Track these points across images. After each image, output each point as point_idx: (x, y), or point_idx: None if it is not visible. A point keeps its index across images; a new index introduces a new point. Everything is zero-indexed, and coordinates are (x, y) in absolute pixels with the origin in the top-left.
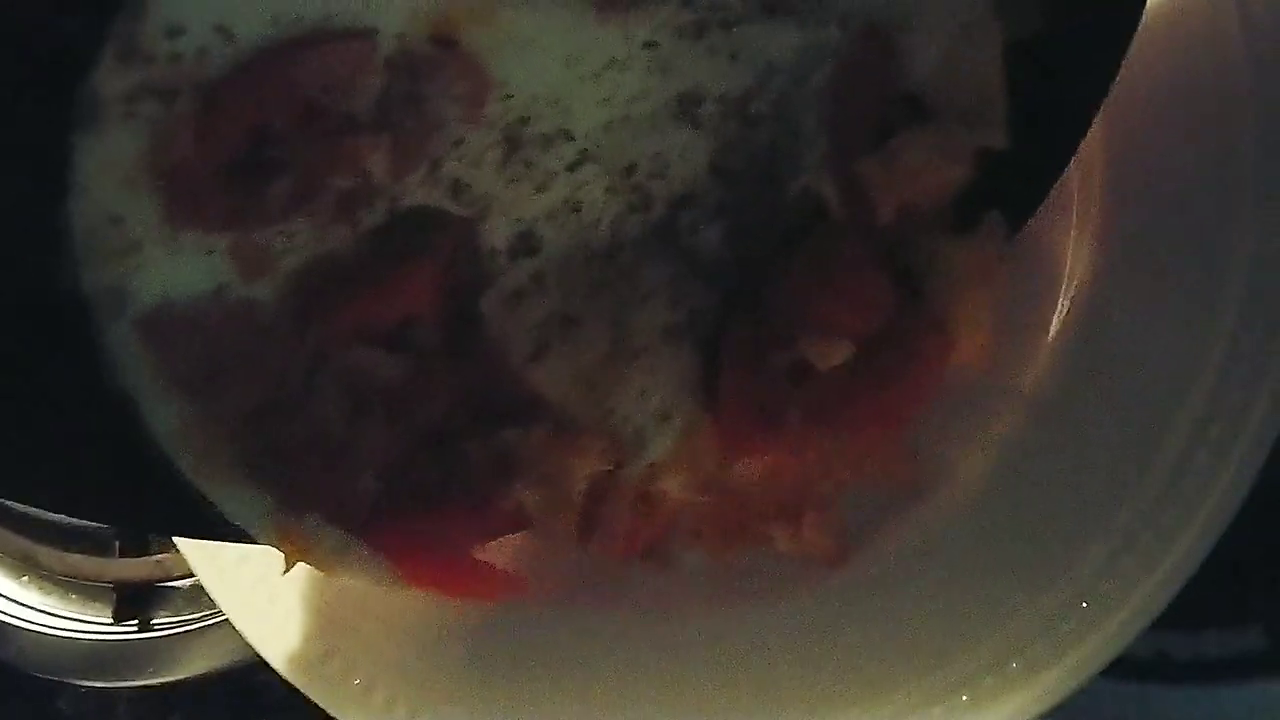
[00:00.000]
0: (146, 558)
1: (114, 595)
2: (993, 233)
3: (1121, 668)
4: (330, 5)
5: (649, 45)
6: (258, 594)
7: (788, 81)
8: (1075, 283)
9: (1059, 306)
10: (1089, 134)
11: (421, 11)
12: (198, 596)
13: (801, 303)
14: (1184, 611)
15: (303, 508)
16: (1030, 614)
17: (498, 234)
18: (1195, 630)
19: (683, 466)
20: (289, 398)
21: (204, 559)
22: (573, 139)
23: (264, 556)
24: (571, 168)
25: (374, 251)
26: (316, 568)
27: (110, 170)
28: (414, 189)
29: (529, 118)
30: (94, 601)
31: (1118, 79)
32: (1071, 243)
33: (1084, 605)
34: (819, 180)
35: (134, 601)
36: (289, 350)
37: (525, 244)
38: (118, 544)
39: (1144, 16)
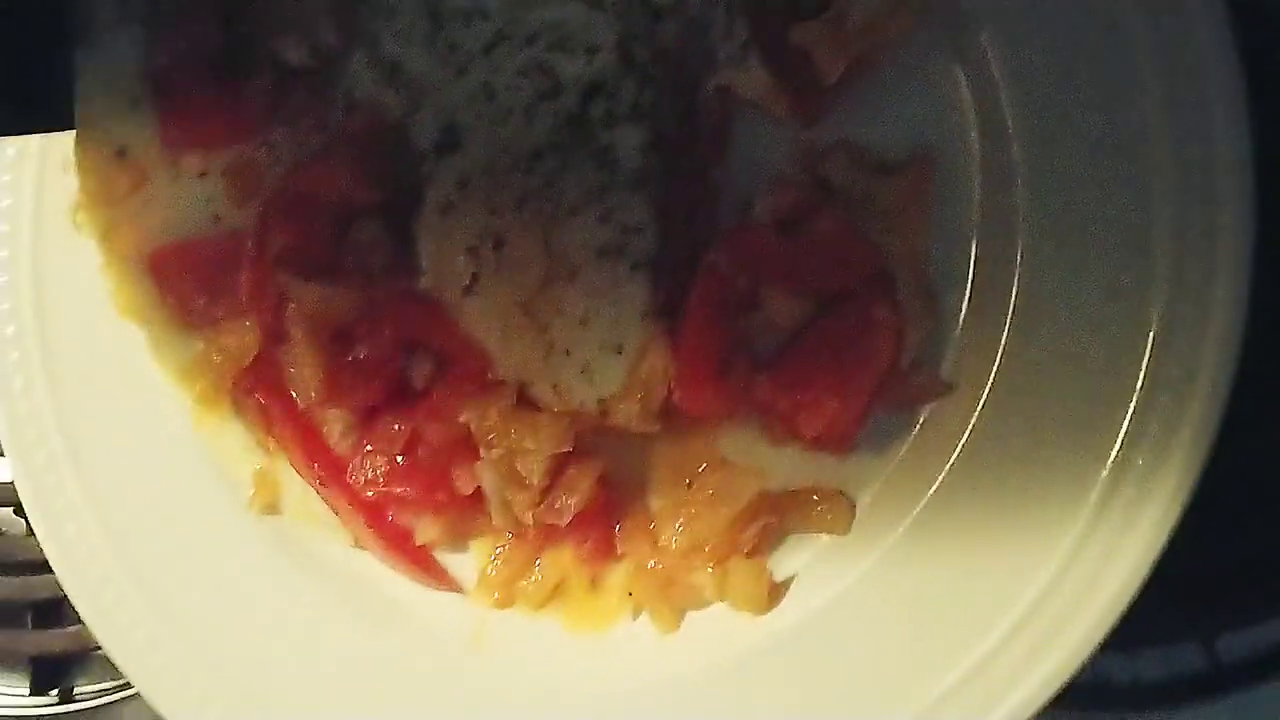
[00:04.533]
0: (60, 629)
1: (31, 668)
2: (919, 163)
3: (1062, 696)
4: None
5: None
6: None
7: None
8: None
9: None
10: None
11: None
12: None
13: (772, 257)
14: (1122, 631)
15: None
16: (964, 661)
17: (426, 129)
18: (1134, 651)
19: (635, 397)
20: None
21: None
22: (488, 18)
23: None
24: (487, 50)
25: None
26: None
27: (114, 87)
28: (361, 73)
29: None
30: (10, 674)
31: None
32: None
33: (1021, 650)
34: (737, 75)
35: (52, 673)
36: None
37: (450, 138)
38: (29, 616)
39: None
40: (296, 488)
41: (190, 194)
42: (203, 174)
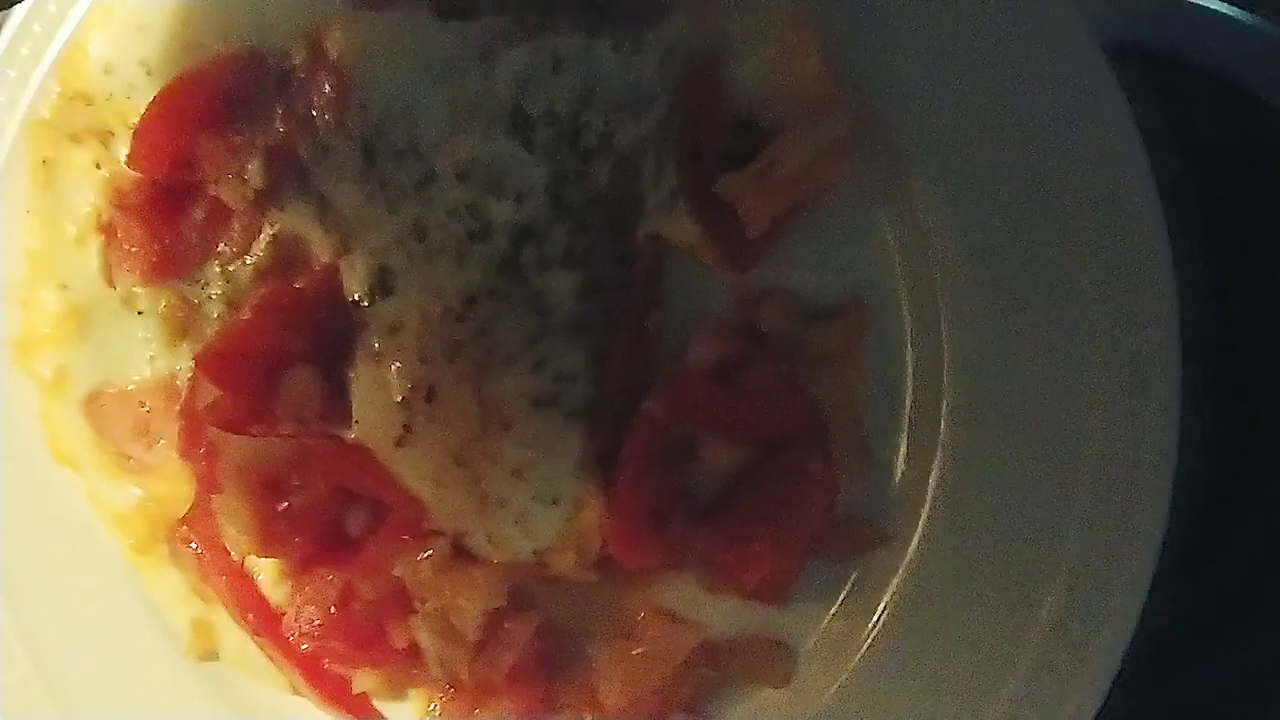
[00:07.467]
0: None
1: None
2: (851, 311)
3: None
4: (228, 31)
5: (483, 56)
6: None
7: (612, 110)
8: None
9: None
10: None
11: (301, 26)
12: None
13: (707, 407)
14: None
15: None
16: None
17: (357, 271)
18: None
19: (572, 549)
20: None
21: None
22: (420, 156)
23: None
24: (419, 187)
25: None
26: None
27: (60, 224)
28: (289, 210)
29: (383, 127)
30: None
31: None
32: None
33: None
34: (666, 222)
35: None
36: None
37: (381, 282)
38: None
39: None
40: (235, 634)
41: (128, 332)
42: (140, 312)
